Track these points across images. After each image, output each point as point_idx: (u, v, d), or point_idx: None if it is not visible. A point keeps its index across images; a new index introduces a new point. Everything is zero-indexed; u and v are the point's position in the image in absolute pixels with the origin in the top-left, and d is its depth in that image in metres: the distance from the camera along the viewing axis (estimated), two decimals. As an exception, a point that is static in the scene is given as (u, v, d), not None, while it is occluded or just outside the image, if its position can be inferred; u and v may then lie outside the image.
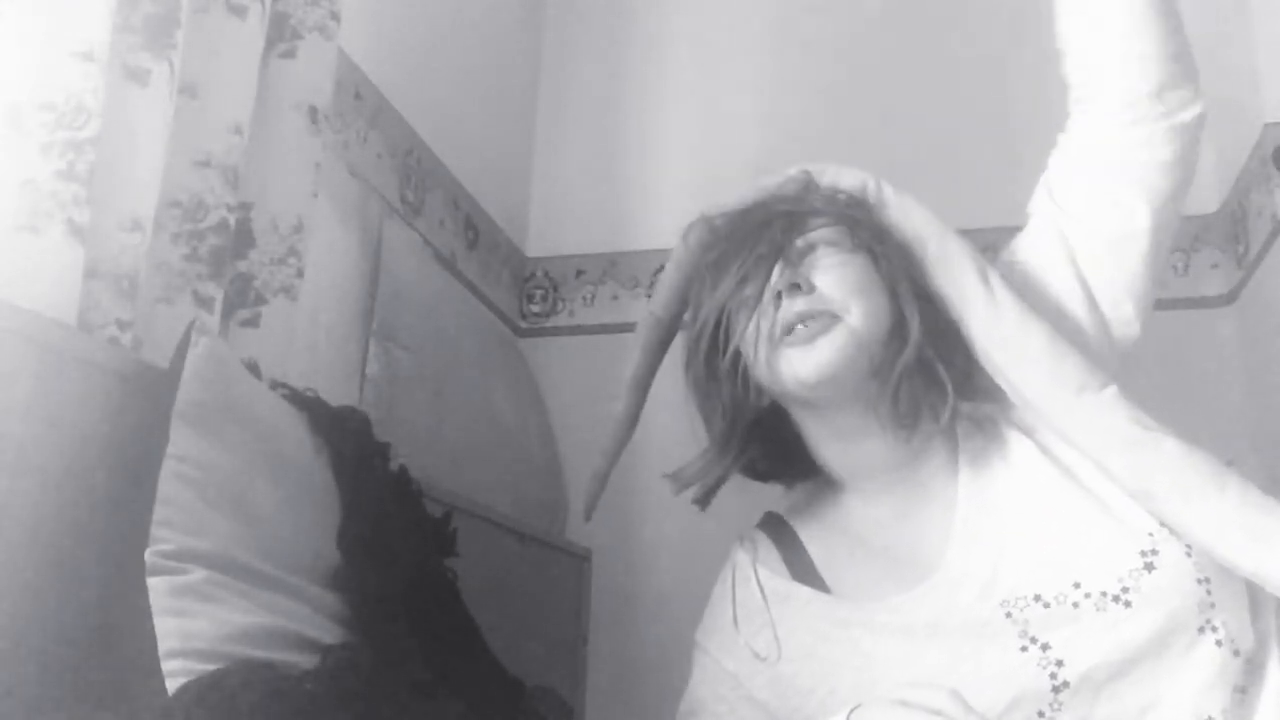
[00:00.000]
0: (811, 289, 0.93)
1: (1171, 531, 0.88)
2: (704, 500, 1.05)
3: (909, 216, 1.00)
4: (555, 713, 1.09)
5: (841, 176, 1.02)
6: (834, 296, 0.93)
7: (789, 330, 0.93)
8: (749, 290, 0.95)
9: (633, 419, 1.09)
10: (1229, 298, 1.84)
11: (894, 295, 0.95)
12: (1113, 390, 0.92)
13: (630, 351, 1.09)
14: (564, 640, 1.68)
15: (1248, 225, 1.74)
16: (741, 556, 1.03)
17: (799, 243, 0.96)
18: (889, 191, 1.02)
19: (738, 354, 0.97)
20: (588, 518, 1.11)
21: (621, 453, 1.10)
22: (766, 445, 1.04)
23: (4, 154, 0.88)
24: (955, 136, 1.98)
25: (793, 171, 1.03)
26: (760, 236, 0.96)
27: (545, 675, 1.20)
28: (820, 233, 0.97)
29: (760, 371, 0.96)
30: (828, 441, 1.00)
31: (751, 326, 0.94)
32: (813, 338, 0.92)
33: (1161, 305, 1.85)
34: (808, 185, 1.02)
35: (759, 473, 1.08)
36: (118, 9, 0.95)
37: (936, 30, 2.09)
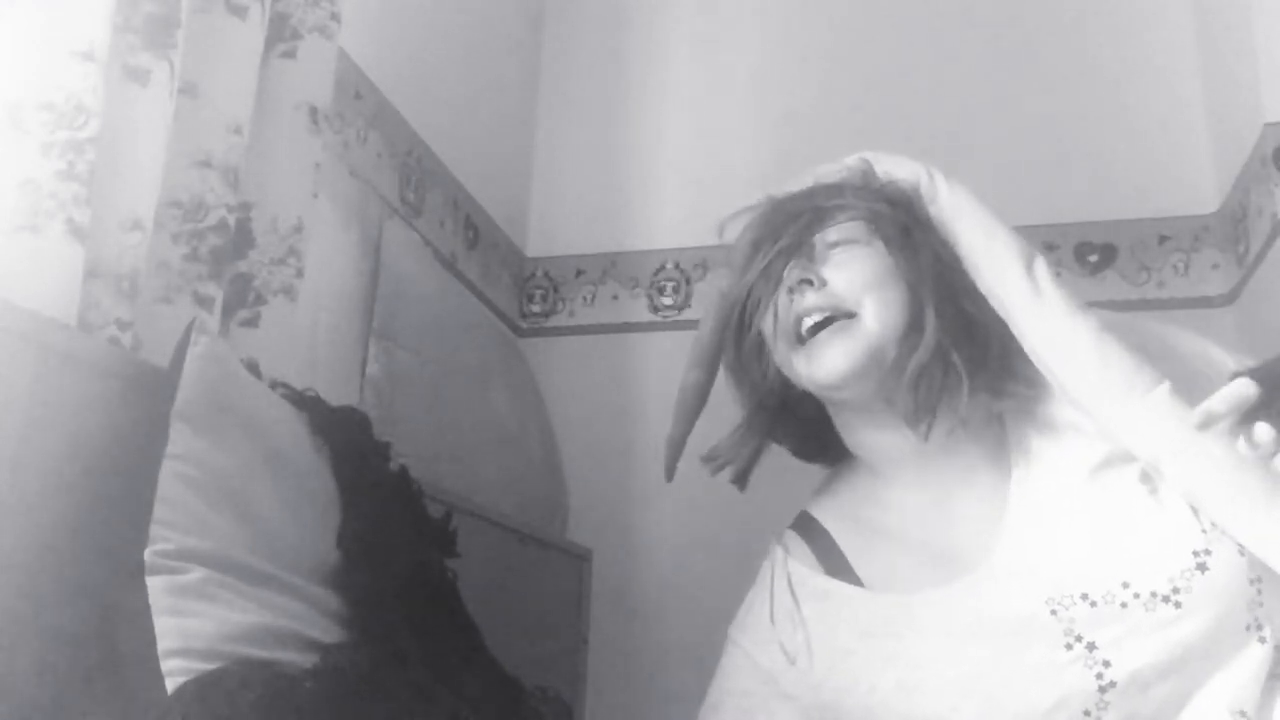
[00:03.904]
0: (823, 284, 0.94)
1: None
2: (740, 480, 1.06)
3: (958, 210, 1.00)
4: (555, 713, 1.09)
5: (897, 166, 1.03)
6: (846, 294, 0.94)
7: (799, 324, 0.94)
8: (768, 281, 0.97)
9: (704, 388, 1.09)
10: (1229, 298, 1.84)
11: (914, 290, 0.94)
12: (1164, 389, 0.89)
13: (701, 324, 1.10)
14: (564, 640, 1.68)
15: (1248, 225, 1.74)
16: (778, 555, 1.03)
17: (818, 238, 0.97)
18: (942, 183, 1.01)
19: (760, 338, 0.99)
20: (669, 479, 1.11)
21: (695, 420, 1.10)
22: (801, 425, 1.05)
23: (4, 154, 0.88)
24: (957, 137, 1.97)
25: (851, 160, 1.04)
26: (786, 229, 0.98)
27: (545, 675, 1.20)
28: (841, 228, 0.97)
29: (781, 362, 0.98)
30: (854, 430, 1.01)
31: (769, 318, 0.96)
32: (828, 341, 0.93)
33: (1161, 305, 1.87)
34: (863, 175, 1.02)
35: (801, 452, 1.09)
36: (118, 9, 0.94)
37: (937, 31, 2.09)
